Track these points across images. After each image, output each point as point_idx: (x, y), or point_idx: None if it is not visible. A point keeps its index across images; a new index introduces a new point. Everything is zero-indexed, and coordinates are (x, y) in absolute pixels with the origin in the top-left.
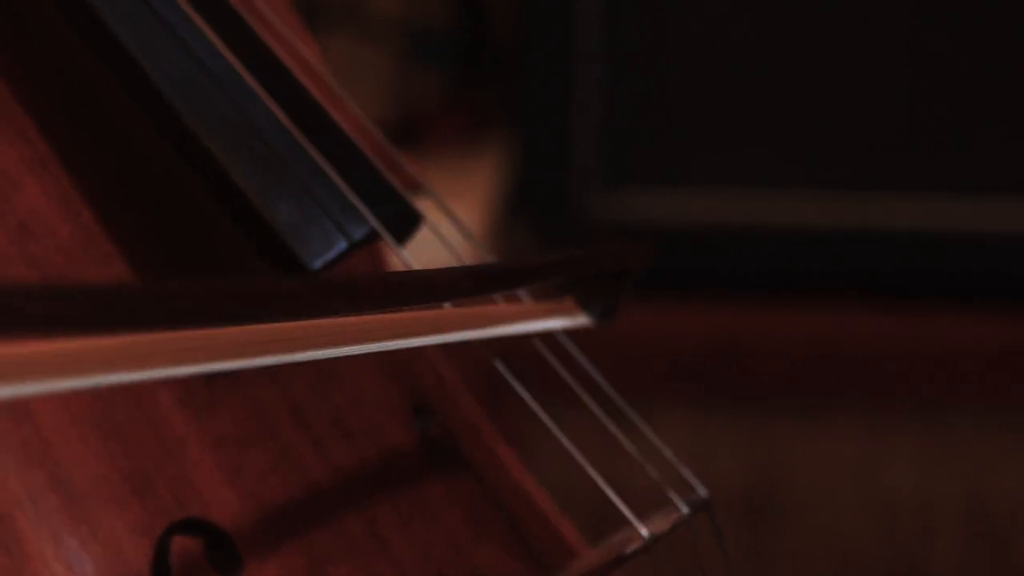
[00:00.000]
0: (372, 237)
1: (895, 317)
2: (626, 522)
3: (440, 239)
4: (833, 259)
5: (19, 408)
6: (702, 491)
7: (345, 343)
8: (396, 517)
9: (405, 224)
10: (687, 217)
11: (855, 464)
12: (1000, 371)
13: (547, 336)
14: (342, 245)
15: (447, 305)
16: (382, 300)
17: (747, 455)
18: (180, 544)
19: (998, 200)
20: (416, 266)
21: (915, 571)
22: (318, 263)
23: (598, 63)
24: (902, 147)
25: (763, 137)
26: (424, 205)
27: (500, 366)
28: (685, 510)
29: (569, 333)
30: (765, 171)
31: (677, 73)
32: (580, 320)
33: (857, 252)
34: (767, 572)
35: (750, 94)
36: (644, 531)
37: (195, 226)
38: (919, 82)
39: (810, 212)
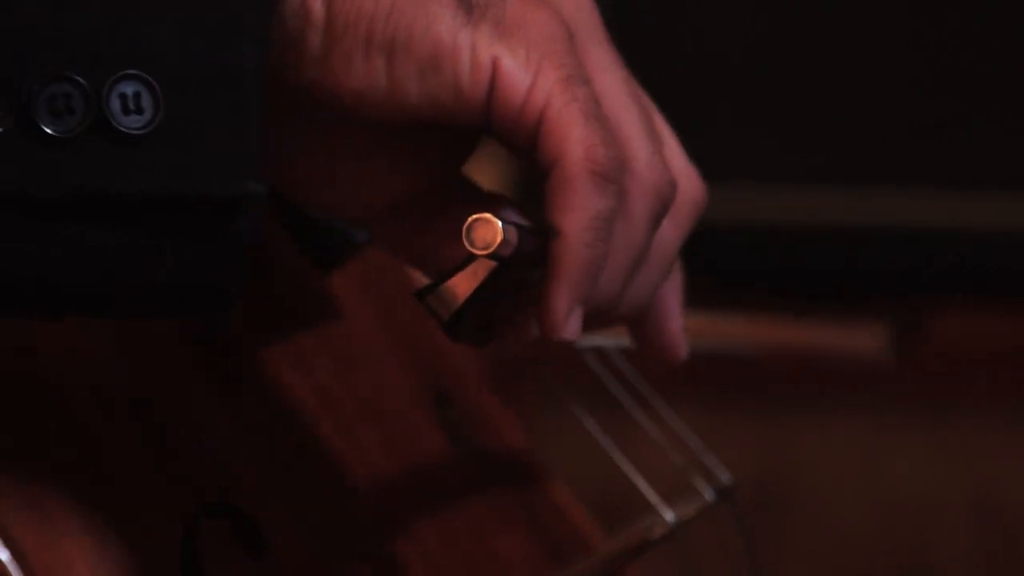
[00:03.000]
0: None
1: (903, 313)
2: (641, 511)
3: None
4: (840, 255)
5: (53, 383)
6: (725, 478)
7: None
8: (420, 501)
9: None
10: None
11: (863, 460)
12: (1007, 368)
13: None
14: None
15: None
16: None
17: (755, 451)
18: (208, 525)
19: (1006, 197)
20: None
21: (923, 566)
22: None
23: None
24: (910, 143)
25: (767, 133)
26: None
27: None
28: (710, 497)
29: None
30: (769, 168)
31: (680, 69)
32: None
33: (864, 248)
34: (775, 567)
35: (753, 91)
36: (669, 516)
37: None
38: (924, 78)
39: (819, 209)
